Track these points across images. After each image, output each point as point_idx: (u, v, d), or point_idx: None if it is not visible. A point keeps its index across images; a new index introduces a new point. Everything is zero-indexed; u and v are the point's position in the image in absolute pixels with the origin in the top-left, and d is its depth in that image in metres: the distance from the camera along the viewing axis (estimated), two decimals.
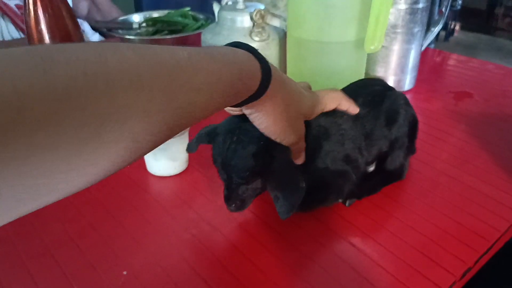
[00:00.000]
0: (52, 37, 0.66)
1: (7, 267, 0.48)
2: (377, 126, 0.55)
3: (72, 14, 0.68)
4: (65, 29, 0.67)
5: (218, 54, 0.34)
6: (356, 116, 0.53)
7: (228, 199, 0.48)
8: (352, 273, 0.46)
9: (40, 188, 0.23)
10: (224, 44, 0.38)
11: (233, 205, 0.48)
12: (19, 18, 1.14)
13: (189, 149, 0.54)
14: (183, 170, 0.64)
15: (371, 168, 0.59)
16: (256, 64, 0.37)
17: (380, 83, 0.62)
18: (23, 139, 0.20)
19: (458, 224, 0.53)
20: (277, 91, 0.40)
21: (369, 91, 0.58)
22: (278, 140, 0.44)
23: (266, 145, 0.44)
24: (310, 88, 0.52)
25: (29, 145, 0.20)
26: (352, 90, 0.57)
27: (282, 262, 0.48)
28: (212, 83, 0.32)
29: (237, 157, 0.45)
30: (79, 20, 1.19)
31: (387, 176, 0.60)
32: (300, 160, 0.50)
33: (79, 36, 0.70)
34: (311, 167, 0.51)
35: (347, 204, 0.56)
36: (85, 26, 1.21)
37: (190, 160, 0.65)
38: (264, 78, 0.37)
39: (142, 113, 0.26)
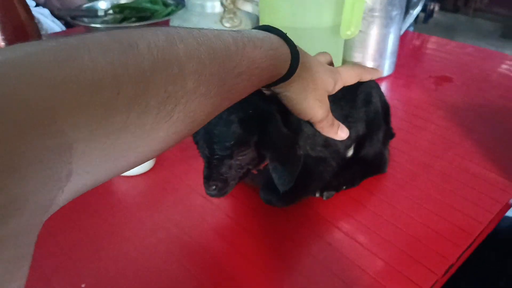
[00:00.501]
0: (3, 28, 0.61)
1: None
2: (353, 108, 0.54)
3: (25, 3, 0.63)
4: (17, 19, 0.62)
5: (257, 40, 0.35)
6: (334, 99, 0.50)
7: (208, 178, 0.43)
8: (343, 259, 0.44)
9: (124, 160, 0.25)
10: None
11: (213, 186, 0.43)
12: None
13: None
14: (150, 168, 0.60)
15: (350, 152, 0.56)
16: (286, 49, 0.38)
17: None
18: (120, 116, 0.22)
19: (439, 218, 0.51)
20: (303, 72, 0.41)
21: None
22: (307, 118, 0.44)
23: (257, 113, 0.42)
24: (331, 60, 0.53)
25: (124, 122, 0.23)
26: None
27: (269, 250, 0.45)
28: (253, 68, 0.34)
29: (221, 124, 0.41)
30: (37, 8, 1.13)
31: (366, 167, 0.57)
32: (341, 133, 0.48)
33: (33, 27, 0.64)
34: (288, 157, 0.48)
35: (324, 197, 0.53)
36: (45, 11, 1.15)
37: (157, 158, 0.61)
38: (293, 62, 0.39)
39: (203, 96, 0.29)
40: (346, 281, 0.43)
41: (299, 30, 0.71)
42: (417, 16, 0.97)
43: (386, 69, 0.86)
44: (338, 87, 0.49)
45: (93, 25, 1.00)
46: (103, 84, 0.21)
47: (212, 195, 0.44)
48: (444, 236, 0.48)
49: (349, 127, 0.51)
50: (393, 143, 0.62)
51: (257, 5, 0.77)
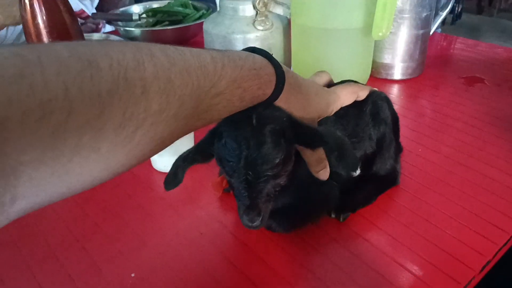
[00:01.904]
0: (49, 32, 0.64)
1: (12, 270, 0.47)
2: (359, 126, 0.51)
3: (70, 8, 0.66)
4: (62, 23, 0.65)
5: (239, 60, 0.34)
6: (337, 117, 0.49)
7: (253, 207, 0.38)
8: (367, 269, 0.45)
9: (77, 182, 0.24)
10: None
11: (259, 218, 0.38)
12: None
13: (169, 185, 0.43)
14: None
15: (357, 172, 0.53)
16: (271, 69, 0.38)
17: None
18: (70, 140, 0.21)
19: (474, 216, 0.51)
20: (291, 95, 0.40)
21: None
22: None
23: (283, 120, 0.39)
24: (330, 79, 0.52)
25: (75, 146, 0.22)
26: None
27: (293, 259, 0.47)
28: (233, 89, 0.33)
29: (259, 144, 0.37)
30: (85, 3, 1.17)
31: (380, 182, 0.55)
32: (323, 173, 0.45)
33: (77, 30, 0.67)
34: (293, 178, 0.44)
35: (341, 219, 0.51)
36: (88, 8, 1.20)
37: None
38: (278, 84, 0.38)
39: (172, 117, 0.28)
40: (385, 276, 0.44)
41: (330, 31, 0.72)
42: (445, 18, 0.97)
43: (416, 70, 0.87)
44: (336, 108, 0.48)
45: (127, 28, 1.03)
46: (53, 106, 0.20)
47: (254, 228, 0.39)
48: (479, 233, 0.49)
49: (353, 148, 0.50)
50: (422, 142, 0.63)
51: (288, 8, 0.78)
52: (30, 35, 0.64)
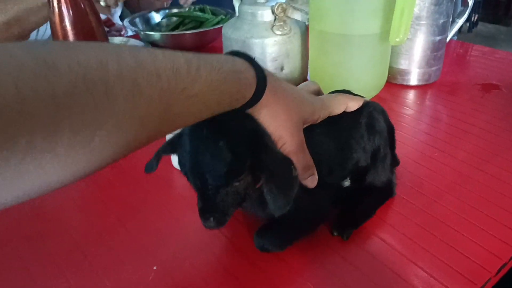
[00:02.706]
0: (75, 33, 0.66)
1: (38, 262, 0.49)
2: (354, 138, 0.51)
3: (96, 11, 0.69)
4: (88, 25, 0.67)
5: (217, 63, 0.34)
6: (329, 127, 0.49)
7: (204, 211, 0.39)
8: (383, 269, 0.46)
9: (32, 184, 0.24)
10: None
11: (211, 218, 0.39)
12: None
13: (148, 169, 0.46)
14: None
15: (346, 183, 0.53)
16: (252, 74, 0.37)
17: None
18: (22, 139, 0.21)
19: (490, 219, 0.52)
20: (273, 99, 0.39)
21: None
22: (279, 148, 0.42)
23: (247, 134, 0.39)
24: (318, 89, 0.51)
25: (27, 146, 0.21)
26: None
27: (312, 260, 0.48)
28: (209, 91, 0.32)
29: (209, 153, 0.37)
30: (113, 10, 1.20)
31: (378, 195, 0.55)
32: (311, 180, 0.44)
33: (102, 32, 0.70)
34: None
35: (344, 237, 0.50)
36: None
37: None
38: (259, 87, 0.37)
39: (138, 120, 0.27)
40: (401, 275, 0.45)
41: (348, 37, 0.74)
42: (461, 26, 0.97)
43: (432, 76, 0.87)
44: (323, 116, 0.47)
45: (148, 32, 1.06)
46: (4, 107, 0.20)
47: (210, 227, 0.40)
48: (495, 236, 0.49)
49: (345, 158, 0.50)
50: (438, 147, 0.64)
51: (306, 13, 0.80)
52: (57, 37, 0.67)
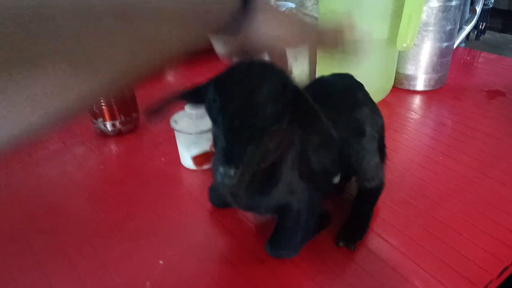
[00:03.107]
0: None
1: (49, 255, 0.50)
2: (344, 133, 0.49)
3: None
4: None
5: None
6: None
7: (229, 158, 0.33)
8: (387, 269, 0.46)
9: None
10: None
11: (234, 169, 0.33)
12: None
13: (149, 113, 0.38)
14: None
15: (337, 179, 0.53)
16: None
17: (348, 82, 0.56)
18: None
19: (493, 222, 0.52)
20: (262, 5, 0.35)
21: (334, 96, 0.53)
22: (298, 43, 0.39)
23: (290, 84, 0.36)
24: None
25: None
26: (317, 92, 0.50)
27: (317, 258, 0.49)
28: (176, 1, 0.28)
29: (259, 89, 0.34)
30: None
31: (370, 197, 0.55)
32: (347, 31, 0.41)
33: None
34: (273, 194, 0.43)
35: (352, 248, 0.49)
36: None
37: None
38: None
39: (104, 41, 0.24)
40: (403, 275, 0.46)
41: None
42: (469, 34, 0.98)
43: (438, 81, 0.88)
44: (310, 38, 0.42)
45: None
46: None
47: (226, 184, 0.33)
48: (498, 239, 0.50)
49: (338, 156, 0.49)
50: (443, 151, 0.65)
51: (315, 18, 0.81)
52: None
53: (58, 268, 0.48)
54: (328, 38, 0.42)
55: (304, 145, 0.46)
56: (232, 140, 0.33)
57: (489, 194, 0.57)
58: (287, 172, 0.44)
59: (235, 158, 0.33)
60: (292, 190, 0.46)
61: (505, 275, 0.47)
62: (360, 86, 0.55)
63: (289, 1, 1.04)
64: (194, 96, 0.38)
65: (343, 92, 0.53)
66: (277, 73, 0.35)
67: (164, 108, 0.38)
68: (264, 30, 0.36)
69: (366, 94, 0.54)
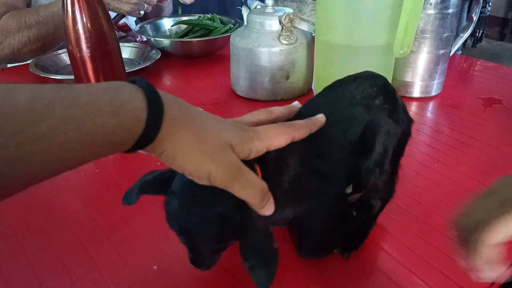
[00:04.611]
0: (88, 37, 0.68)
1: (42, 257, 0.50)
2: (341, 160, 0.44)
3: (108, 16, 0.70)
4: (101, 29, 0.69)
5: (87, 96, 0.29)
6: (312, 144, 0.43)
7: (196, 264, 0.42)
8: (381, 276, 0.46)
9: None
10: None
11: (202, 267, 0.42)
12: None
13: (126, 200, 0.43)
14: None
15: (349, 190, 0.49)
16: (141, 104, 0.31)
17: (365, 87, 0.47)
18: None
19: None
20: (180, 129, 0.33)
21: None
22: (202, 180, 0.35)
23: (236, 203, 0.37)
24: (266, 118, 0.44)
25: None
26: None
27: (312, 264, 0.48)
28: (69, 130, 0.27)
29: (201, 223, 0.36)
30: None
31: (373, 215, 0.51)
32: (267, 208, 0.38)
33: (113, 36, 0.72)
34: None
35: (346, 256, 0.49)
36: (130, 20, 1.26)
37: None
38: (151, 121, 0.31)
39: None
40: (399, 284, 0.46)
41: (353, 48, 0.75)
42: (465, 41, 0.99)
43: (435, 88, 0.89)
44: (259, 149, 0.38)
45: (157, 39, 1.08)
46: None
47: (203, 270, 0.43)
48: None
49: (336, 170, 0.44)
50: (438, 158, 0.65)
51: (313, 24, 0.82)
52: (70, 41, 0.69)
53: (50, 271, 0.48)
54: None
55: (308, 154, 0.43)
56: (191, 250, 0.41)
57: None
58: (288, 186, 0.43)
59: (200, 262, 0.42)
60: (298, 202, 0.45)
61: (499, 283, 0.47)
62: (377, 91, 0.46)
63: (286, 7, 1.04)
64: (156, 187, 0.42)
65: (356, 103, 0.46)
66: (220, 196, 0.36)
67: (137, 196, 0.43)
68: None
69: (386, 97, 0.46)
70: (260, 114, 0.44)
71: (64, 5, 0.66)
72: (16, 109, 0.25)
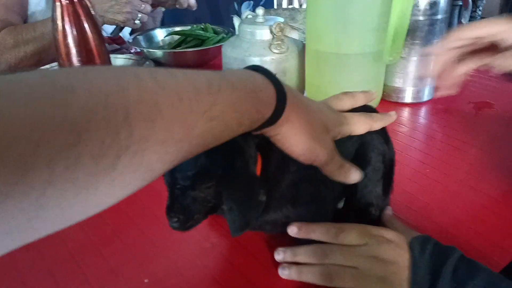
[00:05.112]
0: (78, 51, 0.69)
1: (32, 270, 0.50)
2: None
3: (98, 30, 0.71)
4: (91, 43, 0.70)
5: (237, 81, 0.33)
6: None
7: (169, 209, 0.40)
8: None
9: (54, 218, 0.23)
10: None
11: (175, 219, 0.40)
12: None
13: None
14: None
15: (340, 204, 0.51)
16: (271, 90, 0.36)
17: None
18: (41, 172, 0.20)
19: (479, 235, 0.52)
20: (294, 114, 0.38)
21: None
22: (308, 162, 0.41)
23: (227, 144, 0.37)
24: (351, 104, 0.49)
25: (48, 177, 0.20)
26: None
27: None
28: (230, 111, 0.32)
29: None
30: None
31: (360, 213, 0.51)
32: (347, 178, 0.44)
33: (103, 50, 0.72)
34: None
35: None
36: (124, 32, 1.27)
37: None
38: (279, 105, 0.36)
39: (160, 143, 0.26)
40: None
41: (343, 55, 0.76)
42: None
43: (426, 94, 0.89)
44: (343, 132, 0.45)
45: (150, 50, 1.08)
46: (19, 137, 0.19)
47: (174, 228, 0.41)
48: (484, 253, 0.50)
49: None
50: (430, 163, 0.65)
51: (303, 32, 0.82)
52: (60, 55, 0.69)
53: (40, 284, 0.48)
54: None
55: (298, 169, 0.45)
56: (170, 193, 0.40)
57: (477, 207, 0.57)
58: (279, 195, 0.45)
59: (174, 210, 0.40)
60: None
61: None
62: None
63: (279, 15, 1.05)
64: None
65: None
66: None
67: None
68: None
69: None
70: (345, 98, 0.49)
71: (54, 20, 0.67)
72: (201, 92, 0.29)
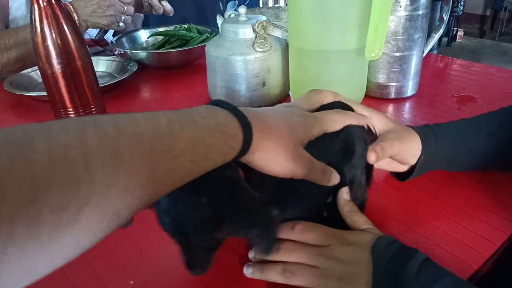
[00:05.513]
0: (58, 54, 0.68)
1: None
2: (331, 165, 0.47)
3: (78, 31, 0.70)
4: (70, 45, 0.69)
5: (199, 117, 0.34)
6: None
7: (191, 265, 0.41)
8: None
9: (19, 274, 0.22)
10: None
11: (199, 269, 0.41)
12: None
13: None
14: None
15: (329, 200, 0.51)
16: (236, 124, 0.37)
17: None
18: (1, 230, 0.20)
19: (463, 227, 0.53)
20: (264, 141, 0.39)
21: None
22: (289, 176, 0.42)
23: (224, 184, 0.39)
24: (320, 99, 0.50)
25: (9, 236, 0.20)
26: None
27: None
28: (195, 148, 0.32)
29: (191, 209, 0.37)
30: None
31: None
32: (333, 179, 0.46)
33: (84, 52, 0.71)
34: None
35: None
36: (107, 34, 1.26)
37: None
38: (246, 135, 0.37)
39: (124, 190, 0.26)
40: None
41: (325, 52, 0.76)
42: (441, 40, 1.00)
43: (410, 89, 0.89)
44: (317, 132, 0.46)
45: (134, 51, 1.08)
46: None
47: (196, 275, 0.43)
48: (469, 245, 0.50)
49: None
50: None
51: (286, 30, 0.82)
52: (40, 57, 0.68)
53: None
54: None
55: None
56: (185, 250, 0.41)
57: (460, 199, 0.58)
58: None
59: (195, 264, 0.41)
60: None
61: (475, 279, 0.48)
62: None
63: (263, 14, 1.05)
64: None
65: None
66: (213, 182, 0.37)
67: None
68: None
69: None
70: (313, 95, 0.50)
71: (32, 22, 0.66)
72: (161, 132, 0.30)
